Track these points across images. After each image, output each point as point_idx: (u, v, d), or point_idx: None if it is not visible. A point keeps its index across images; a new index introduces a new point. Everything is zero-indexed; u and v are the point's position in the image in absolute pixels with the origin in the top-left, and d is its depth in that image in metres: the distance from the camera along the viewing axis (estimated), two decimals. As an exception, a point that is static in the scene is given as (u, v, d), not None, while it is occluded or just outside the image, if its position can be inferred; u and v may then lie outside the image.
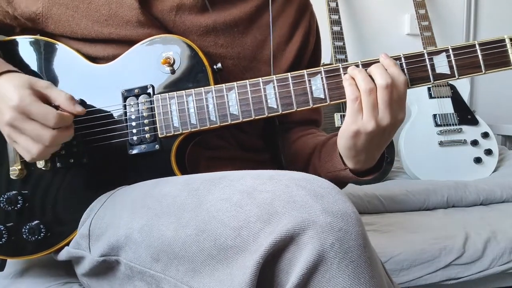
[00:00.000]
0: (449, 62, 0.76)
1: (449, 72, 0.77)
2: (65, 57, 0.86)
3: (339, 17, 2.11)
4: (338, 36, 2.07)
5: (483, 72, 0.76)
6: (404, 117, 0.77)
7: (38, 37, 0.87)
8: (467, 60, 0.76)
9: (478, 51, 0.76)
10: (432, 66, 0.77)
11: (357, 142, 0.76)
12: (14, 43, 0.87)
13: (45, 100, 0.75)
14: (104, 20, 0.84)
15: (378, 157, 0.82)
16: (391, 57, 0.77)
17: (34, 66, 0.86)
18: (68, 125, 0.76)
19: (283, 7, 0.96)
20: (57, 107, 0.75)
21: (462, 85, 2.06)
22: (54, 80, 0.85)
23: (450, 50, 0.77)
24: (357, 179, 0.84)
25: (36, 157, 0.74)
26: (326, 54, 2.08)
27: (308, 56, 1.00)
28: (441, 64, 0.77)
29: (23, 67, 0.83)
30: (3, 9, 0.87)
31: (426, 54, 0.77)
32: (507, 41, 0.76)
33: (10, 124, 0.72)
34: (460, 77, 0.77)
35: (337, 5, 2.13)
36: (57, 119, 0.73)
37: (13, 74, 0.76)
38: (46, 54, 0.86)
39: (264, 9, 0.94)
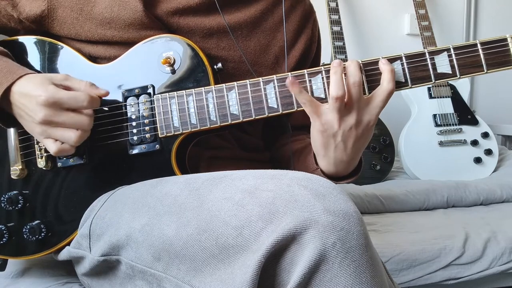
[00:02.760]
0: (451, 61, 0.76)
1: (450, 72, 0.76)
2: (66, 57, 0.86)
3: (339, 17, 2.11)
4: (338, 36, 2.07)
5: (485, 71, 0.76)
6: (372, 122, 0.76)
7: (39, 37, 0.87)
8: (468, 60, 0.76)
9: (480, 50, 0.76)
10: (433, 65, 0.76)
11: (324, 138, 0.77)
12: (16, 43, 0.87)
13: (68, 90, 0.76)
14: (107, 23, 0.84)
15: (352, 163, 0.82)
16: (392, 57, 0.77)
17: (35, 65, 0.86)
18: (97, 106, 0.77)
19: (288, 13, 0.96)
20: None
21: (462, 85, 2.06)
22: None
23: (452, 50, 0.76)
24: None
25: (74, 144, 0.75)
26: (326, 54, 2.08)
27: (309, 63, 1.01)
28: (443, 64, 0.76)
29: (25, 67, 0.83)
30: (8, 13, 0.87)
31: (427, 54, 0.76)
32: (509, 40, 0.75)
33: (45, 120, 0.73)
34: (461, 77, 0.76)
35: (337, 5, 2.13)
36: (89, 98, 0.75)
37: (31, 75, 0.77)
38: (46, 54, 0.86)
39: (269, 14, 0.94)
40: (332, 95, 0.73)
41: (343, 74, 0.74)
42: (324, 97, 0.77)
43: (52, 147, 0.75)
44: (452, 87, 2.04)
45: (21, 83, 0.75)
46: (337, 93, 0.72)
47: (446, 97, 2.02)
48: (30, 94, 0.73)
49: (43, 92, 0.73)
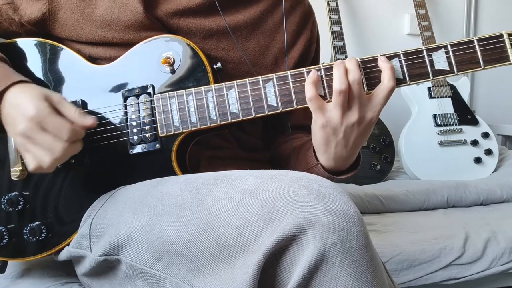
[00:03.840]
0: (448, 58, 0.77)
1: (448, 68, 0.77)
2: (66, 58, 0.86)
3: (339, 17, 2.11)
4: (338, 36, 2.07)
5: (482, 67, 0.76)
6: (375, 119, 0.77)
7: (38, 39, 0.87)
8: (465, 56, 0.77)
9: (477, 46, 0.76)
10: (431, 62, 0.77)
11: (325, 134, 0.77)
12: (15, 46, 0.87)
13: (58, 113, 0.74)
14: (107, 25, 0.84)
15: (351, 158, 0.83)
16: (390, 54, 0.77)
17: (35, 67, 0.86)
18: (80, 138, 0.75)
19: (287, 14, 0.96)
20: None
21: (462, 85, 2.06)
22: (55, 82, 0.85)
23: (449, 46, 0.77)
24: (330, 177, 0.85)
25: (46, 168, 0.73)
26: (326, 54, 2.08)
27: (308, 64, 1.01)
28: (440, 60, 0.77)
29: (24, 69, 0.83)
30: (9, 16, 0.87)
31: (425, 51, 0.77)
32: (505, 36, 0.76)
33: (24, 134, 0.71)
34: (459, 73, 0.77)
35: (337, 5, 2.13)
36: (71, 133, 0.72)
37: (26, 85, 0.75)
38: (46, 55, 0.86)
39: (268, 15, 0.94)
40: (335, 89, 0.74)
41: (345, 70, 0.74)
42: (323, 95, 0.77)
43: (31, 163, 0.73)
44: (452, 87, 2.04)
45: (15, 93, 0.74)
46: (340, 87, 0.73)
47: (446, 97, 2.01)
48: (21, 105, 0.72)
49: (34, 109, 0.71)
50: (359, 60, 0.76)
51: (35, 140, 0.71)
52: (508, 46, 0.76)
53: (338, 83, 0.73)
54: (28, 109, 0.71)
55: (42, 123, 0.71)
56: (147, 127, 0.81)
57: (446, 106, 1.99)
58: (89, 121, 0.75)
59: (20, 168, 0.83)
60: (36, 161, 0.72)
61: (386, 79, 0.75)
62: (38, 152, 0.72)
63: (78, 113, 0.74)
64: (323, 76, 0.77)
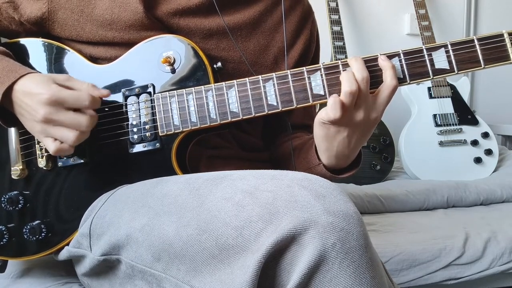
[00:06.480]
0: (448, 57, 0.77)
1: (448, 67, 0.77)
2: (67, 58, 0.86)
3: (339, 17, 2.11)
4: (338, 36, 2.07)
5: (482, 66, 0.76)
6: (378, 118, 0.77)
7: (40, 39, 0.88)
8: (466, 55, 0.77)
9: (477, 46, 0.76)
10: (431, 61, 0.77)
11: (328, 133, 0.78)
12: (18, 45, 0.87)
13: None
14: (107, 25, 0.84)
15: (352, 156, 0.83)
16: (390, 53, 0.77)
17: (36, 67, 0.86)
18: (98, 107, 0.77)
19: (287, 14, 0.96)
20: None
21: (462, 85, 2.06)
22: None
23: (449, 46, 0.77)
24: (331, 176, 0.85)
25: (72, 144, 0.75)
26: (326, 54, 2.08)
27: (308, 64, 1.01)
28: (440, 59, 0.77)
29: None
30: (9, 15, 0.87)
31: (425, 50, 0.77)
32: (506, 35, 0.76)
33: (45, 118, 0.73)
34: (459, 72, 0.77)
35: (337, 5, 2.13)
36: (91, 98, 0.75)
37: (33, 74, 0.77)
38: (47, 55, 0.86)
39: (268, 15, 0.94)
40: (345, 91, 0.73)
41: (353, 71, 0.74)
42: (323, 94, 0.77)
43: (51, 146, 0.75)
44: (452, 87, 2.04)
45: (23, 82, 0.76)
46: (351, 88, 0.73)
47: (446, 97, 2.01)
48: (33, 92, 0.74)
49: (46, 91, 0.73)
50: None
51: (57, 121, 0.73)
52: (508, 45, 0.76)
53: (348, 85, 0.73)
54: (41, 93, 0.73)
55: (59, 102, 0.73)
56: (147, 126, 0.81)
57: (446, 106, 1.99)
58: (103, 92, 0.78)
59: (21, 167, 0.83)
60: (57, 142, 0.75)
61: (389, 78, 0.75)
62: (60, 132, 0.74)
63: (89, 85, 0.77)
64: (323, 75, 0.77)
